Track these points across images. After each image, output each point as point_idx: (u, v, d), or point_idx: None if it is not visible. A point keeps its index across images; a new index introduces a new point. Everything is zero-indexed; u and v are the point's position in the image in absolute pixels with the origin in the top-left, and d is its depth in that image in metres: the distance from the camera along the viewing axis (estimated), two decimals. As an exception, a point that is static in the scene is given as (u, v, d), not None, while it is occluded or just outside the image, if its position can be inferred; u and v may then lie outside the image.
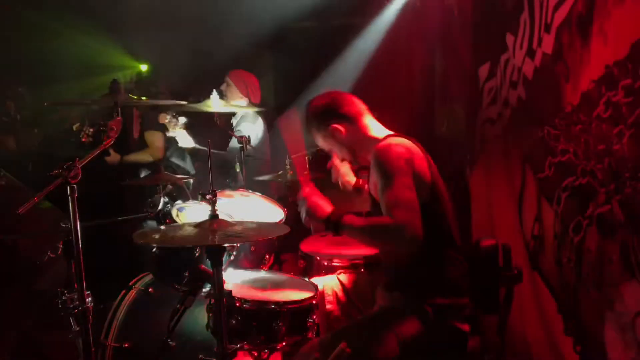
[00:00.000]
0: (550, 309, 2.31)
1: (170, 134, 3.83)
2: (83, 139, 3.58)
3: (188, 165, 4.37)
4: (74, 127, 3.80)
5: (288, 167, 3.38)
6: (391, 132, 2.06)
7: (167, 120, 3.75)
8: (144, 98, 4.06)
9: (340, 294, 2.34)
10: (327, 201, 1.96)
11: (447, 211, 1.97)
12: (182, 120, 3.70)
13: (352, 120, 2.07)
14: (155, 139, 4.17)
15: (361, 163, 2.19)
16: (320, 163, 2.80)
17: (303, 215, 1.99)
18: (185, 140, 3.81)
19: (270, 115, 4.24)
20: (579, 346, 2.10)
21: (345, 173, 2.50)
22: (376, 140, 2.01)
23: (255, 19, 4.70)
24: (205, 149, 3.11)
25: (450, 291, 1.91)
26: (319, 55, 4.78)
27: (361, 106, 2.12)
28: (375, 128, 2.09)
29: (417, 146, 1.99)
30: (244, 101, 4.04)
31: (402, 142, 1.94)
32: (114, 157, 4.13)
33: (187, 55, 5.24)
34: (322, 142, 2.17)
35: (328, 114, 2.09)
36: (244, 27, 4.79)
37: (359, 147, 2.10)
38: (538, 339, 2.48)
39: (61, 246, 1.75)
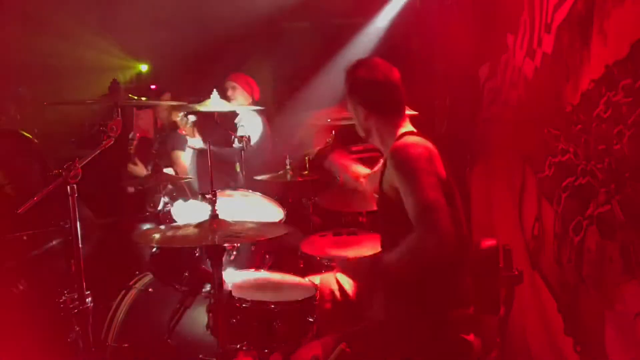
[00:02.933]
0: (550, 309, 2.31)
1: (183, 132, 3.87)
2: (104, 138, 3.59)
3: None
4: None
5: (288, 167, 3.38)
6: (410, 130, 2.01)
7: (178, 119, 3.78)
8: (143, 98, 4.06)
9: (337, 293, 2.33)
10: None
11: (459, 213, 1.93)
12: (192, 118, 3.72)
13: (385, 114, 2.01)
14: (180, 158, 4.22)
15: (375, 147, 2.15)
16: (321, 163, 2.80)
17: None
18: (194, 140, 3.84)
19: (270, 113, 4.25)
20: (579, 346, 2.10)
21: (356, 170, 2.46)
22: (394, 135, 1.98)
23: (253, 17, 4.71)
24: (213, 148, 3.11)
25: (458, 302, 1.90)
26: (319, 54, 4.78)
27: (404, 106, 2.04)
28: (398, 122, 2.02)
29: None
30: (248, 102, 4.09)
31: (421, 142, 1.89)
32: (140, 169, 4.14)
33: (185, 54, 5.24)
34: (348, 108, 2.09)
35: (366, 96, 2.00)
36: (243, 25, 4.80)
37: (378, 134, 2.04)
38: (538, 339, 2.48)
39: None
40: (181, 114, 3.74)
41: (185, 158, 4.20)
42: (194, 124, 3.72)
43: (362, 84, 2.02)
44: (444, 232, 1.67)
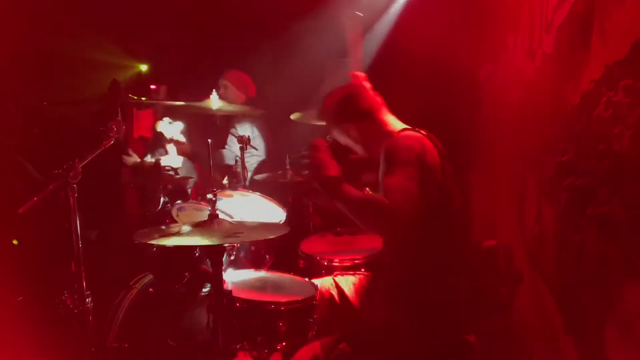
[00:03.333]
0: (550, 309, 2.30)
1: (168, 139, 3.81)
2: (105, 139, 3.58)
3: (189, 170, 4.38)
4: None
5: (288, 167, 3.38)
6: (407, 127, 2.02)
7: (163, 129, 3.73)
8: (143, 98, 4.07)
9: (336, 296, 2.32)
10: (335, 165, 1.90)
11: (458, 214, 1.92)
12: (179, 126, 3.68)
13: (367, 117, 2.04)
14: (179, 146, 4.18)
15: (376, 158, 2.16)
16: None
17: (308, 162, 1.95)
18: (172, 159, 3.77)
19: (269, 113, 4.24)
20: (579, 346, 2.10)
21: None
22: (391, 134, 1.99)
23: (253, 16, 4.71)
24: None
25: (457, 303, 1.90)
26: (319, 54, 4.77)
27: (377, 101, 2.09)
28: (391, 123, 2.05)
29: (433, 142, 1.94)
30: (242, 99, 4.07)
31: (414, 135, 1.90)
32: (134, 158, 4.13)
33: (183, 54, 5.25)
34: (337, 136, 2.15)
35: (342, 113, 2.07)
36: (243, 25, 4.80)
37: (374, 142, 2.06)
38: (538, 339, 2.48)
39: None
40: (165, 121, 3.68)
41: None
42: (181, 131, 3.67)
43: (332, 109, 2.12)
44: (400, 216, 1.68)
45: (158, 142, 4.24)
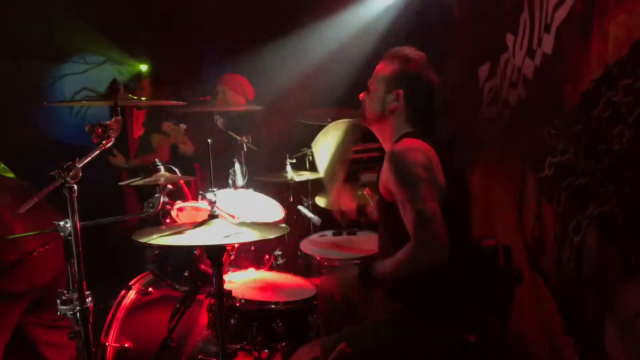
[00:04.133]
0: (550, 309, 2.31)
1: (173, 141, 3.82)
2: (94, 140, 3.58)
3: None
4: (86, 129, 3.80)
5: (288, 167, 3.39)
6: (410, 130, 1.99)
7: (170, 128, 3.73)
8: (143, 98, 4.07)
9: (335, 295, 2.32)
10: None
11: (458, 214, 1.91)
12: (183, 126, 3.68)
13: (414, 113, 1.99)
14: (163, 142, 4.15)
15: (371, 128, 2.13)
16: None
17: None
18: (186, 147, 3.79)
19: (269, 112, 4.25)
20: (579, 346, 2.10)
21: (346, 199, 2.44)
22: (399, 131, 1.97)
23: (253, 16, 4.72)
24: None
25: (457, 303, 1.90)
26: (319, 54, 4.77)
27: (432, 109, 2.03)
28: (410, 123, 2.01)
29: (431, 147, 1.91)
30: (242, 101, 4.07)
31: (420, 147, 1.86)
32: (119, 159, 4.14)
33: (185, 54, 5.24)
34: (378, 82, 2.06)
35: (416, 91, 1.98)
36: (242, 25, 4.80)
37: (388, 124, 2.02)
38: (538, 339, 2.48)
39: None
40: (171, 122, 3.68)
41: (166, 141, 4.11)
42: (185, 132, 3.68)
43: (421, 76, 2.00)
44: (440, 245, 1.66)
45: (147, 142, 4.25)
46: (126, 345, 2.43)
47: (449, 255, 1.68)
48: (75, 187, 1.66)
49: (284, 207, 3.04)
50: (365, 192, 2.76)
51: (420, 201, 1.72)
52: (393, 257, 1.76)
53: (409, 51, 2.05)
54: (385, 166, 1.88)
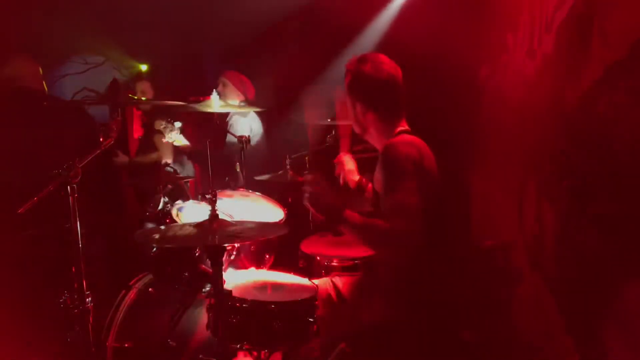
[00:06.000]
0: (551, 309, 2.31)
1: (166, 139, 3.81)
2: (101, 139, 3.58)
3: (189, 170, 4.38)
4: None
5: (288, 166, 3.38)
6: (405, 128, 2.01)
7: (162, 127, 3.72)
8: (143, 98, 4.07)
9: (333, 297, 2.32)
10: (335, 193, 1.90)
11: (456, 214, 1.93)
12: (178, 124, 3.68)
13: (385, 112, 2.01)
14: (165, 142, 4.16)
15: (366, 140, 2.14)
16: (320, 162, 2.80)
17: (306, 197, 1.89)
18: (181, 142, 3.78)
19: (269, 112, 4.25)
20: (579, 346, 2.10)
21: (350, 170, 2.48)
22: (390, 132, 1.98)
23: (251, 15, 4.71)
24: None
25: (457, 303, 1.90)
26: (319, 54, 4.78)
27: (401, 99, 2.04)
28: (396, 122, 2.03)
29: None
30: (240, 99, 4.09)
31: (413, 142, 1.89)
32: (122, 158, 4.15)
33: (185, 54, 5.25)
34: (347, 101, 2.08)
35: (370, 94, 1.99)
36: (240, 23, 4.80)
37: (373, 130, 2.04)
38: (538, 339, 2.48)
39: None
40: (164, 121, 3.67)
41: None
42: (180, 130, 3.67)
43: (366, 80, 1.98)
44: (412, 240, 1.71)
45: (149, 141, 4.26)
46: (126, 345, 2.42)
47: (449, 256, 1.69)
48: (76, 186, 1.67)
49: (283, 207, 3.04)
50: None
51: (401, 193, 1.75)
52: (370, 219, 1.79)
53: (351, 60, 2.06)
54: (379, 160, 1.91)
